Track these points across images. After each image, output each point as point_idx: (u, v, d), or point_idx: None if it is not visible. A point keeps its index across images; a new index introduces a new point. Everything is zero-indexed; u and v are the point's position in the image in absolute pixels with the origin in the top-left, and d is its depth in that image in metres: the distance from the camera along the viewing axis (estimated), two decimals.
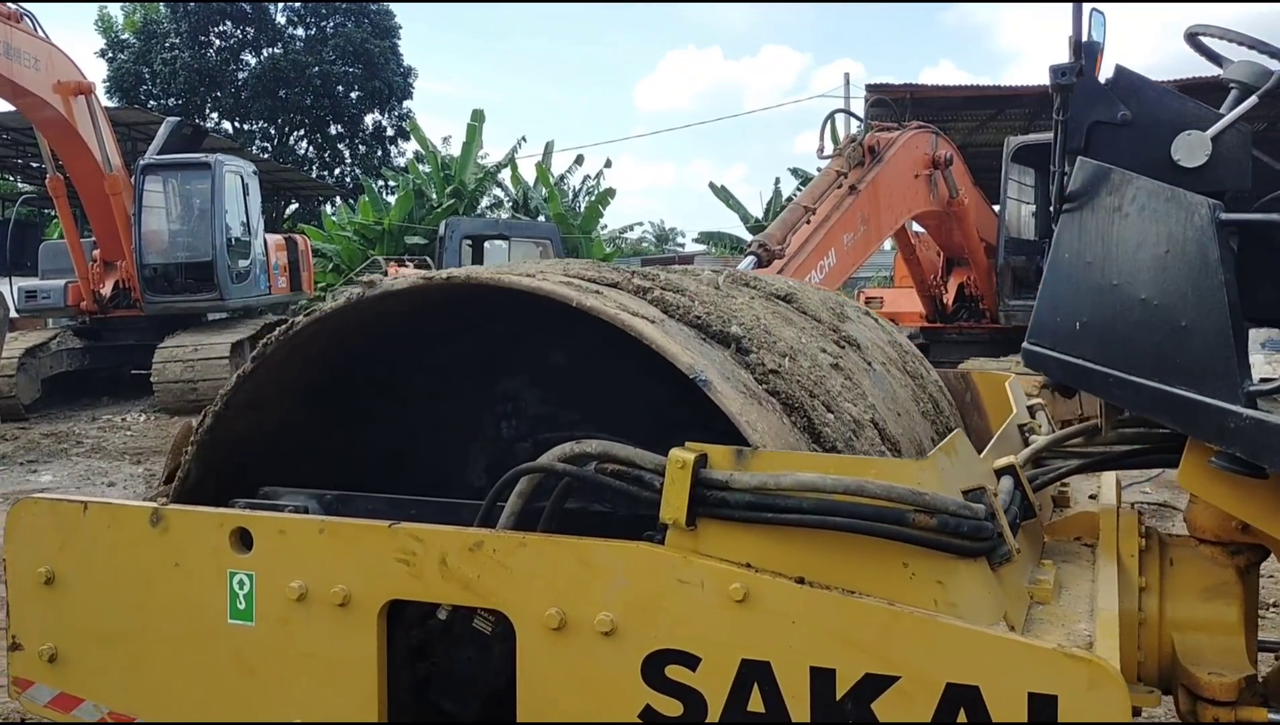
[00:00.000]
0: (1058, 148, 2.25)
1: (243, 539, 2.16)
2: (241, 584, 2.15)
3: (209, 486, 2.43)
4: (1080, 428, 2.71)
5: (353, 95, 39.82)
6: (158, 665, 2.22)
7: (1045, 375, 2.34)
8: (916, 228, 12.76)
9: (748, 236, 23.05)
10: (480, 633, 2.11)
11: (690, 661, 1.84)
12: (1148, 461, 2.53)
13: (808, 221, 8.98)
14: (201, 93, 37.97)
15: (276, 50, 38.80)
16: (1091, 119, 2.30)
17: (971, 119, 21.46)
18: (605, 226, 37.58)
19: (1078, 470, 2.61)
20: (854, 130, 11.03)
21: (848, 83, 30.22)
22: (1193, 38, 2.52)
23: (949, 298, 13.69)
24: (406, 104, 41.60)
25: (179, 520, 2.21)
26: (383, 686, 2.07)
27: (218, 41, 38.49)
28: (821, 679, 1.76)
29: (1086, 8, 2.70)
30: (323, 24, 39.39)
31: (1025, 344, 2.35)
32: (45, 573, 2.30)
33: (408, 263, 16.22)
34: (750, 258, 8.50)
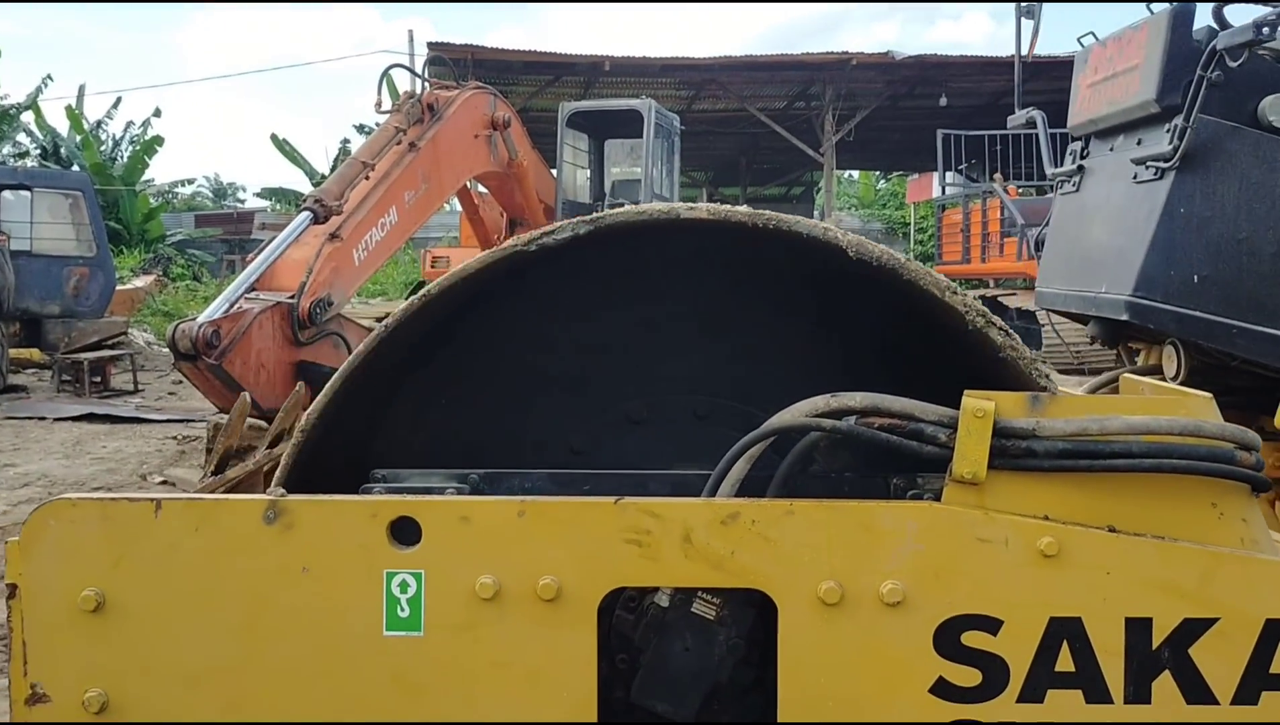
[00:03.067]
0: (1195, 105, 2.31)
1: (400, 532, 1.75)
2: (404, 586, 1.75)
3: (296, 475, 1.96)
4: (1112, 376, 2.83)
5: None
6: (281, 700, 1.75)
7: (1155, 328, 2.41)
8: (481, 189, 13.01)
9: None
10: (701, 618, 1.84)
11: (991, 626, 1.72)
12: (1227, 404, 2.69)
13: (366, 177, 8.85)
14: None
15: None
16: (1194, 78, 2.39)
17: (530, 84, 22.40)
18: (152, 180, 34.99)
19: None
20: (416, 87, 11.07)
21: (412, 40, 30.49)
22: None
23: None
24: None
25: (310, 514, 1.75)
26: (597, 691, 1.76)
27: None
28: (1137, 630, 1.70)
29: None
30: None
31: (1129, 298, 2.41)
32: (92, 596, 1.75)
33: None
34: (306, 214, 8.23)
